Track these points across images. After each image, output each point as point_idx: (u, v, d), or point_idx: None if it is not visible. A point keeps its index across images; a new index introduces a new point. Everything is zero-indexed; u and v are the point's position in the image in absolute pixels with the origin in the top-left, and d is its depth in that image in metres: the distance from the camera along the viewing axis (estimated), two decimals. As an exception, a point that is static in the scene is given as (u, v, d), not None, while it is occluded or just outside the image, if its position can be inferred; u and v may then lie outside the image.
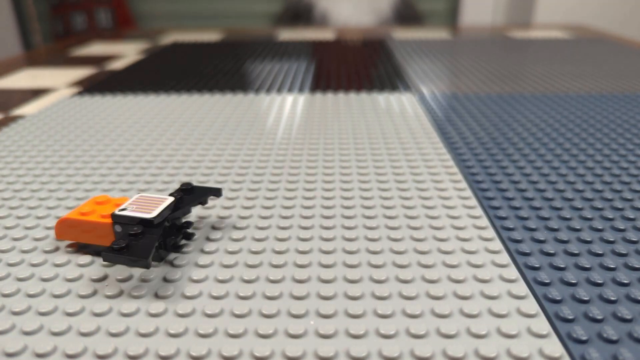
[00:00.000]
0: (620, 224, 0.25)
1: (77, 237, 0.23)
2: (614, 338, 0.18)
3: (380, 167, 0.33)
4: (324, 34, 0.91)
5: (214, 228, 0.26)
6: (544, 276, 0.21)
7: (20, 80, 0.60)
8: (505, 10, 1.55)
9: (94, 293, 0.21)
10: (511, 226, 0.25)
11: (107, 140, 0.38)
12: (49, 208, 0.28)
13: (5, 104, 0.50)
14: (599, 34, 0.87)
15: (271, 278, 0.21)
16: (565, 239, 0.24)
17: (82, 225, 0.23)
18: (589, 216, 0.26)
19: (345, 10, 1.34)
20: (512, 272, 0.21)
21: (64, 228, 0.23)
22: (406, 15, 1.39)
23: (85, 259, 0.23)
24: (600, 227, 0.25)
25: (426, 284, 0.21)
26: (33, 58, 0.76)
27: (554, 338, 0.18)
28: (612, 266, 0.22)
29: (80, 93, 0.52)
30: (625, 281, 0.21)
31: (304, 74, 0.59)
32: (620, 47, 0.73)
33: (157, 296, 0.20)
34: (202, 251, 0.23)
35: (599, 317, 0.19)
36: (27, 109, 0.48)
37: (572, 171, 0.32)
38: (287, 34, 0.92)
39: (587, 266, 0.22)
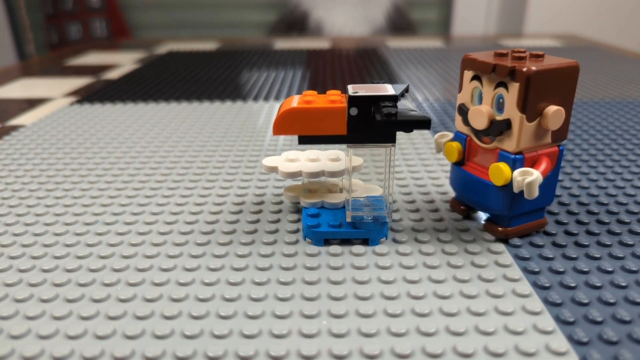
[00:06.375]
0: (616, 228, 0.26)
1: (300, 130, 0.23)
2: (614, 339, 0.18)
3: (380, 173, 0.33)
4: (319, 43, 0.92)
5: (223, 233, 0.26)
6: (543, 280, 0.22)
7: (15, 90, 0.60)
8: (497, 20, 1.57)
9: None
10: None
11: (109, 148, 0.38)
12: (57, 215, 0.28)
13: (2, 114, 0.50)
14: (590, 42, 0.89)
15: (281, 280, 0.22)
16: (563, 243, 0.24)
17: (310, 114, 0.22)
18: (585, 220, 0.27)
19: (339, 20, 1.35)
20: (516, 272, 0.22)
21: (286, 121, 0.22)
22: (399, 25, 1.41)
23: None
24: (596, 231, 0.25)
25: (433, 284, 0.22)
26: (28, 68, 0.76)
27: (559, 334, 0.19)
28: (609, 269, 0.22)
29: (78, 102, 0.53)
30: (623, 284, 0.21)
31: (300, 82, 0.60)
32: (610, 55, 0.74)
33: (171, 299, 0.21)
34: (213, 255, 0.24)
35: (599, 319, 0.19)
36: (25, 119, 0.48)
37: (568, 177, 0.32)
38: (282, 43, 0.93)
39: (586, 270, 0.22)
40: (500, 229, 0.25)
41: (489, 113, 0.23)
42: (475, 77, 0.23)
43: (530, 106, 0.22)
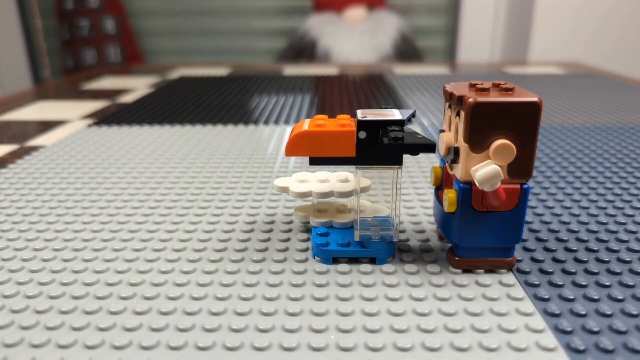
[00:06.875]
0: (614, 246, 0.27)
1: (312, 152, 0.24)
2: (610, 348, 0.19)
3: (387, 194, 0.34)
4: (327, 70, 0.94)
5: (234, 254, 0.27)
6: (543, 292, 0.23)
7: (33, 113, 0.62)
8: (502, 49, 1.60)
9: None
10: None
11: (126, 168, 0.40)
12: (75, 231, 0.29)
13: (21, 135, 0.52)
14: (593, 70, 0.90)
15: (291, 296, 0.23)
16: (562, 258, 0.25)
17: (321, 137, 0.23)
18: (585, 238, 0.27)
19: (347, 47, 1.39)
20: (519, 291, 0.23)
21: (298, 143, 0.24)
22: (406, 52, 1.44)
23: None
24: (595, 248, 0.26)
25: (438, 301, 0.22)
26: (44, 92, 0.78)
27: (561, 351, 0.19)
28: (607, 284, 0.23)
29: (95, 124, 0.54)
30: (620, 297, 0.22)
31: (309, 107, 0.62)
32: (612, 82, 0.76)
33: (185, 313, 0.22)
34: (225, 271, 0.25)
35: (596, 329, 0.20)
36: (43, 140, 0.50)
37: (569, 197, 0.33)
38: (292, 69, 0.95)
39: (584, 283, 0.23)
40: (456, 258, 0.24)
41: (447, 140, 0.24)
42: (450, 106, 0.25)
43: (473, 137, 0.22)
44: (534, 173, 0.38)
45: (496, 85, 0.23)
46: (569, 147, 0.44)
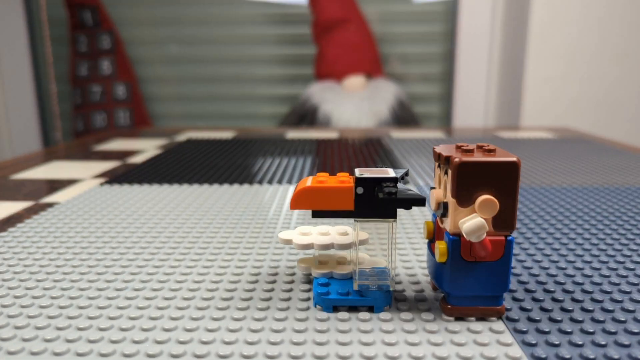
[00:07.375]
0: (598, 296, 0.28)
1: (314, 205, 0.26)
2: None
3: (384, 248, 0.36)
4: (328, 134, 0.98)
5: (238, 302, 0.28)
6: (531, 338, 0.24)
7: (45, 172, 0.65)
8: (495, 114, 1.67)
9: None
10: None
11: (137, 224, 0.42)
12: (90, 281, 0.31)
13: (35, 192, 0.55)
14: (581, 135, 0.94)
15: (294, 341, 0.24)
16: (549, 307, 0.27)
17: (322, 192, 0.26)
18: (571, 289, 0.29)
19: (347, 113, 1.45)
20: (508, 337, 0.24)
21: (302, 197, 0.26)
22: (403, 118, 1.50)
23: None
24: (580, 299, 0.28)
25: (432, 346, 0.24)
26: (56, 153, 0.82)
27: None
28: (590, 330, 0.25)
29: (107, 182, 0.57)
30: (603, 343, 0.24)
31: (310, 168, 0.65)
32: (599, 146, 0.79)
33: (195, 356, 0.23)
34: (232, 318, 0.26)
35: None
36: (56, 197, 0.52)
37: (557, 252, 0.35)
38: (294, 133, 0.99)
39: (569, 330, 0.25)
40: (449, 306, 0.26)
41: (437, 196, 0.26)
42: (439, 165, 0.27)
43: (460, 193, 0.24)
44: (524, 229, 0.40)
45: (480, 147, 0.26)
46: (557, 206, 0.47)
